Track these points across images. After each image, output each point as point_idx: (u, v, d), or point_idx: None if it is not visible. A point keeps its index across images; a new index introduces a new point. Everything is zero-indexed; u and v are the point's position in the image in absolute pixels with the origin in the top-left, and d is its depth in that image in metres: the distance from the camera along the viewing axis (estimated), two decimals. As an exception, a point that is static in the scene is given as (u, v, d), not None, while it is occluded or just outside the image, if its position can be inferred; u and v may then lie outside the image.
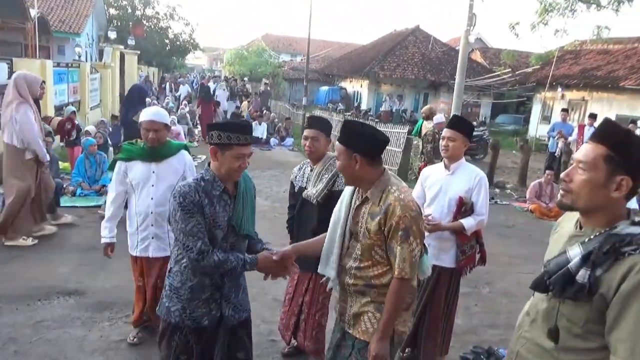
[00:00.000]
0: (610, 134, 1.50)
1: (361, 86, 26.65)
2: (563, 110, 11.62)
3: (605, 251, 1.44)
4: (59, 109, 11.63)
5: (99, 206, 6.95)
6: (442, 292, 3.27)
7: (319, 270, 2.34)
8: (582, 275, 1.45)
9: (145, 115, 3.20)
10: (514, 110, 25.02)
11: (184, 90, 20.88)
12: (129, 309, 3.98)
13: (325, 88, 29.03)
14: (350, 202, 2.27)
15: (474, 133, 12.94)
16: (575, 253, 1.50)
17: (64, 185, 7.49)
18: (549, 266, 1.55)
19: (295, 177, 3.33)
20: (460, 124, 3.23)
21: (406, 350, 3.44)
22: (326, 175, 3.09)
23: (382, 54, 25.68)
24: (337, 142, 2.17)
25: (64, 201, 7.05)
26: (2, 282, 4.32)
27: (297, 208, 3.24)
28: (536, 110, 19.55)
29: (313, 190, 3.11)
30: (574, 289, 1.46)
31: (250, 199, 2.43)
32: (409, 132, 10.92)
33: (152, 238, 3.27)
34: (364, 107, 25.30)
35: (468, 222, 3.13)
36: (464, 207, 3.15)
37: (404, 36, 27.34)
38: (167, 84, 22.58)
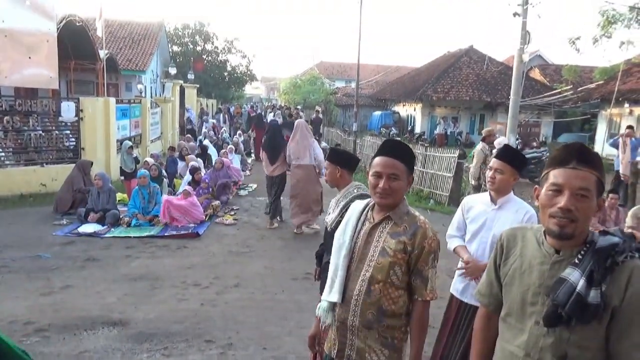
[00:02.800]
0: (595, 160, 1.55)
1: (414, 110, 26.39)
2: (629, 127, 10.88)
3: (608, 265, 1.47)
4: (121, 143, 12.36)
5: (151, 236, 7.26)
6: None
7: (322, 297, 2.24)
8: (594, 297, 1.45)
9: None
10: (579, 128, 23.75)
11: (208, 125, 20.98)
12: (168, 340, 4.06)
13: (378, 113, 29.00)
14: (357, 224, 2.21)
15: (534, 154, 12.41)
16: (576, 277, 1.48)
17: (121, 216, 7.88)
18: (558, 298, 1.49)
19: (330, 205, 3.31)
20: (510, 155, 3.00)
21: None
22: (342, 202, 3.05)
23: (436, 76, 25.39)
24: (393, 160, 2.09)
25: (119, 232, 7.41)
26: (53, 311, 4.54)
27: (327, 238, 3.20)
28: (602, 128, 18.47)
29: (329, 218, 3.09)
30: (591, 312, 1.46)
31: None
32: (461, 157, 10.61)
33: None
34: (417, 130, 24.99)
35: None
36: None
37: (457, 57, 26.94)
38: (221, 115, 23.35)
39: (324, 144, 17.29)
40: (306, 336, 3.89)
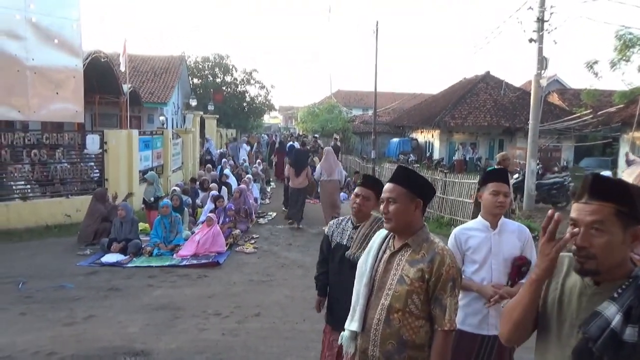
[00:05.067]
0: (611, 190, 1.46)
1: (432, 136, 26.38)
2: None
3: None
4: (144, 173, 12.59)
5: (172, 266, 7.30)
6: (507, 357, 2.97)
7: (345, 326, 2.22)
8: (631, 334, 1.36)
9: None
10: (600, 152, 23.35)
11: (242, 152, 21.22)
12: (189, 371, 4.04)
13: (395, 140, 29.04)
14: (378, 252, 2.21)
15: (555, 179, 12.18)
16: (612, 312, 1.40)
17: (142, 246, 7.96)
18: (590, 332, 1.41)
19: (333, 232, 3.20)
20: (506, 178, 3.01)
21: None
22: (365, 232, 3.02)
23: (453, 102, 25.43)
24: (392, 185, 2.15)
25: (141, 261, 7.48)
26: (75, 342, 4.57)
27: (336, 266, 3.14)
28: (624, 151, 18.11)
29: (359, 253, 3.03)
30: (626, 351, 1.36)
31: None
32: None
33: None
34: (436, 156, 24.90)
35: None
36: (524, 267, 2.92)
37: (474, 83, 27.00)
38: (240, 144, 23.67)
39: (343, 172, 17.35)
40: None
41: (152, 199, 9.23)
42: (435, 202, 11.77)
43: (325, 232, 3.26)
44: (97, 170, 10.73)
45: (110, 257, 7.52)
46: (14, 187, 9.66)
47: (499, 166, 9.03)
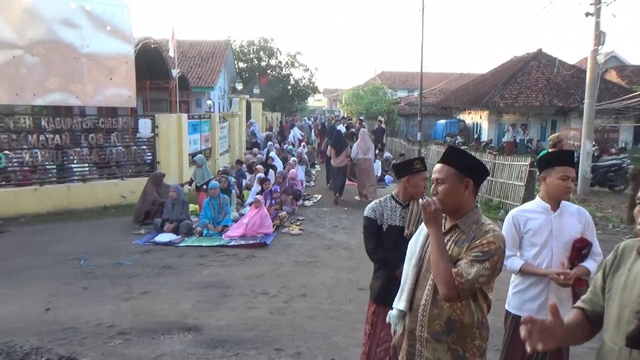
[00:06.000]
0: None
1: (480, 117, 25.60)
2: None
3: None
4: (192, 156, 12.96)
5: (221, 246, 7.53)
6: (564, 353, 2.92)
7: (393, 305, 2.24)
8: None
9: None
10: (664, 133, 22.02)
11: (295, 133, 21.47)
12: (239, 347, 4.19)
13: (442, 121, 28.39)
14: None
15: (613, 162, 11.66)
16: None
17: (193, 227, 8.25)
18: None
19: (381, 215, 3.12)
20: (573, 162, 2.93)
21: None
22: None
23: (503, 82, 24.50)
24: (441, 165, 2.10)
25: (192, 241, 7.76)
26: (133, 316, 4.83)
27: (391, 249, 3.06)
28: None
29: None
30: None
31: None
32: (532, 164, 10.15)
33: None
34: (484, 138, 24.19)
35: (591, 266, 2.81)
36: (584, 249, 2.84)
37: (525, 61, 25.88)
38: (276, 127, 23.96)
39: (387, 154, 17.20)
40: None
41: (200, 182, 9.50)
42: (483, 184, 11.49)
43: (371, 216, 3.16)
44: (149, 153, 11.14)
45: (163, 237, 7.83)
46: (74, 170, 10.19)
47: (553, 148, 8.72)
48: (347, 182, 12.11)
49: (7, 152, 9.19)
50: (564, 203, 2.88)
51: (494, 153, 12.03)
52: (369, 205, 3.24)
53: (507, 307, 3.02)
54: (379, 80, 39.91)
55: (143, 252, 7.17)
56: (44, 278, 5.95)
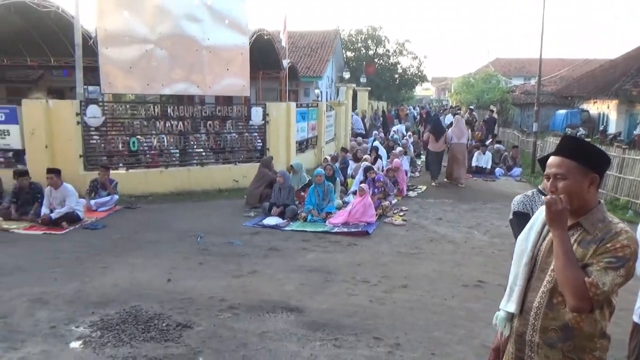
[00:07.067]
0: None
1: (608, 107, 23.10)
2: None
3: None
4: (300, 144, 13.39)
5: (324, 232, 7.71)
6: None
7: (500, 306, 2.10)
8: None
9: None
10: None
11: (400, 129, 20.92)
12: (339, 332, 4.27)
13: (562, 111, 26.08)
14: (542, 230, 2.03)
15: None
16: None
17: (298, 212, 8.54)
18: None
19: (530, 209, 2.89)
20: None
21: None
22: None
23: (636, 67, 21.83)
24: (560, 158, 1.91)
25: (297, 226, 8.04)
26: (242, 292, 5.14)
27: None
28: None
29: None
30: None
31: None
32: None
33: None
34: (611, 130, 21.83)
35: None
36: None
37: (668, 44, 22.80)
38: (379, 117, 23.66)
39: (498, 145, 16.29)
40: (477, 347, 3.73)
41: (296, 187, 9.76)
42: (609, 182, 10.42)
43: (523, 209, 2.96)
44: (259, 140, 11.70)
45: (271, 220, 8.21)
46: (194, 154, 11.07)
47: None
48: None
49: (139, 137, 10.22)
50: None
51: (623, 147, 10.85)
52: (518, 200, 3.04)
53: (635, 318, 2.73)
54: (492, 68, 37.81)
55: (252, 233, 7.59)
56: (166, 252, 6.56)
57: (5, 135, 9.45)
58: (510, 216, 3.03)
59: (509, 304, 2.06)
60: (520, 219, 2.90)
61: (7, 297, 4.88)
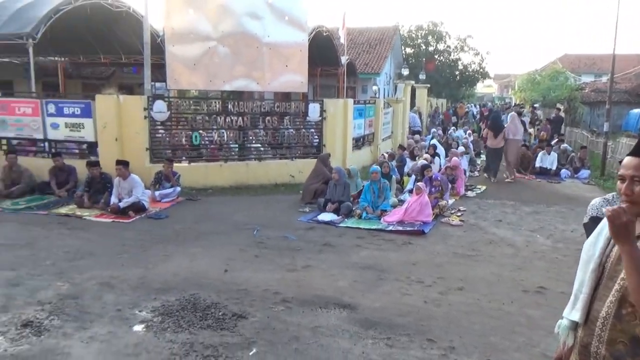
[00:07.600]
0: None
1: (693, 106, 21.40)
2: None
3: None
4: (357, 141, 13.36)
5: (379, 230, 7.66)
6: None
7: (564, 314, 1.99)
8: None
9: None
10: None
11: (459, 135, 20.12)
12: (392, 331, 4.24)
13: (637, 111, 24.44)
14: None
15: None
16: None
17: (353, 208, 8.53)
18: None
19: None
20: None
21: None
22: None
23: None
24: (638, 160, 1.78)
25: (351, 222, 8.04)
26: (296, 287, 5.22)
27: None
28: None
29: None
30: None
31: None
32: None
33: None
34: (696, 131, 20.18)
35: None
36: None
37: None
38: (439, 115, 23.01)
39: (565, 145, 15.49)
40: (537, 356, 3.59)
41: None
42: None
43: (598, 214, 2.81)
44: (316, 136, 11.78)
45: (325, 216, 8.26)
46: (252, 149, 11.32)
47: None
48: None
49: (201, 131, 10.58)
50: None
51: None
52: (596, 203, 2.89)
53: None
54: (559, 64, 35.89)
55: (307, 229, 7.67)
56: (224, 243, 6.77)
57: (80, 128, 10.08)
58: (586, 220, 2.87)
59: (573, 312, 1.95)
60: (597, 224, 2.77)
61: (79, 280, 5.22)
